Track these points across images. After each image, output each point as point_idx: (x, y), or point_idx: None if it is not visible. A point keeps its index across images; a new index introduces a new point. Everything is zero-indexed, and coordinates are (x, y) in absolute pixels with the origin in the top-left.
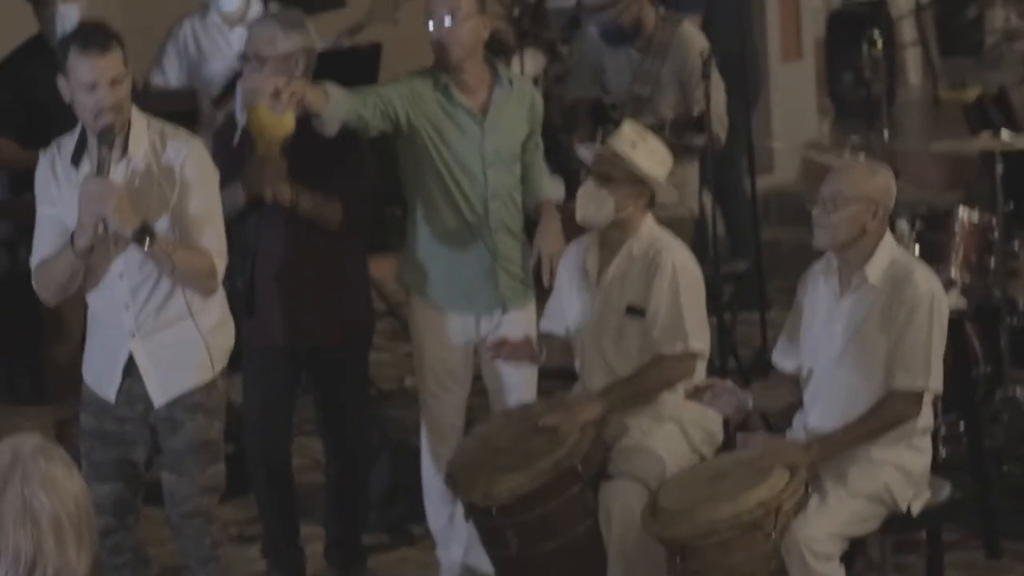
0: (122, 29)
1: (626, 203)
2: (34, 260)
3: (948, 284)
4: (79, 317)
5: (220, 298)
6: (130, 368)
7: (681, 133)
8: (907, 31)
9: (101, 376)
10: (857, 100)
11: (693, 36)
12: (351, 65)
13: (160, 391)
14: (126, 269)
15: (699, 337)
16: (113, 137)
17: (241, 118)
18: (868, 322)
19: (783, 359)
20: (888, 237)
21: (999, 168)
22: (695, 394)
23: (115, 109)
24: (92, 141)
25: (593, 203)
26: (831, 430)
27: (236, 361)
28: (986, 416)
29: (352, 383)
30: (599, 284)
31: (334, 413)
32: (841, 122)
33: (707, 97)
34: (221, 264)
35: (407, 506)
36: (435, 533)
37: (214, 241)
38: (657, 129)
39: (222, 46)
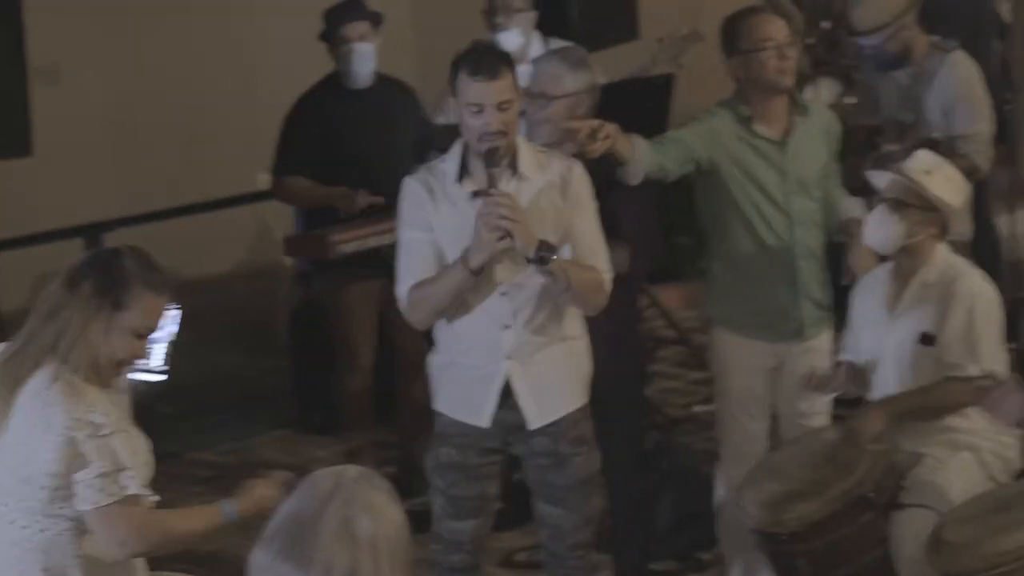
0: (415, 61)
1: (917, 230)
2: (404, 286)
3: None
4: (370, 348)
5: (581, 323)
6: (505, 393)
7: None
8: None
9: (470, 403)
10: None
11: (962, 64)
12: (644, 96)
13: (538, 415)
14: (510, 288)
15: (995, 360)
16: (499, 159)
17: None
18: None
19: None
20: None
21: None
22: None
23: (501, 132)
24: (476, 162)
25: (882, 228)
26: None
27: None
28: None
29: (620, 434)
30: (893, 313)
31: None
32: None
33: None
34: (608, 279)
35: (695, 533)
36: (728, 559)
37: (601, 255)
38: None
39: None
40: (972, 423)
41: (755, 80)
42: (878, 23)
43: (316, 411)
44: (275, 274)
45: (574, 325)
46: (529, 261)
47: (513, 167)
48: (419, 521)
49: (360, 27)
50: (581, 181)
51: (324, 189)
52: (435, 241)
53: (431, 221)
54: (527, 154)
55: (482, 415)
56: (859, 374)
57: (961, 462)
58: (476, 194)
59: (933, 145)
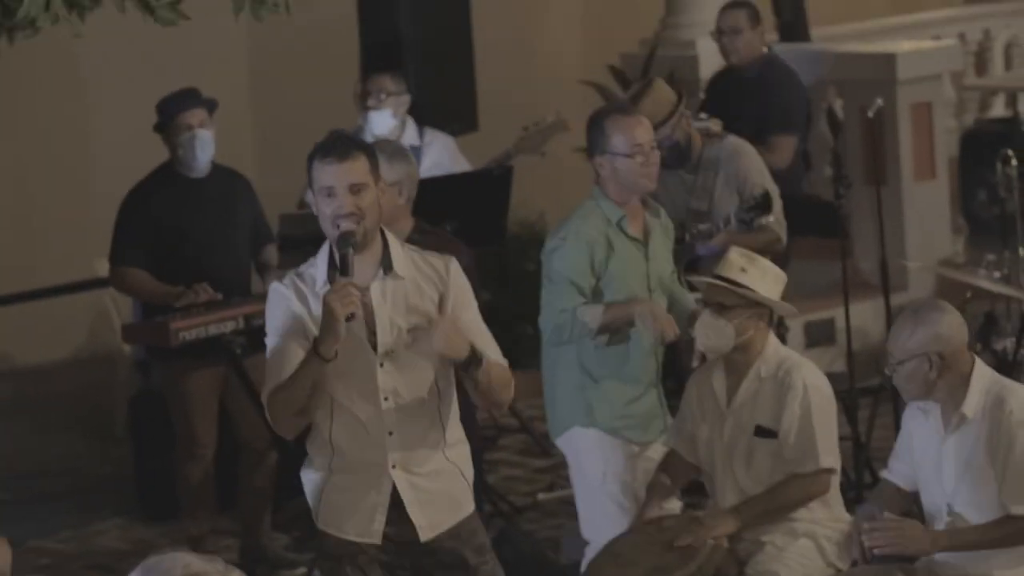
0: (254, 147)
1: (746, 327)
2: (266, 392)
3: None
4: (211, 435)
5: (461, 427)
6: (394, 503)
7: (748, 216)
8: None
9: (358, 517)
10: (991, 218)
11: (741, 146)
12: (484, 187)
13: (429, 526)
14: (393, 390)
15: (830, 453)
16: (354, 242)
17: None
18: (975, 456)
19: (895, 478)
20: (979, 368)
21: None
22: None
23: (353, 214)
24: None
25: (713, 333)
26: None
27: None
28: None
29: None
30: (729, 407)
31: None
32: (976, 240)
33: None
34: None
35: None
36: None
37: (496, 347)
38: (724, 224)
39: None
40: (811, 512)
41: (620, 181)
42: (661, 115)
43: (157, 499)
44: (114, 361)
45: (455, 431)
46: (461, 367)
47: (386, 265)
48: None
49: (199, 114)
50: (459, 276)
51: (163, 288)
52: (307, 345)
53: (306, 326)
54: (398, 250)
55: (372, 531)
56: (689, 466)
57: (800, 549)
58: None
59: (762, 202)
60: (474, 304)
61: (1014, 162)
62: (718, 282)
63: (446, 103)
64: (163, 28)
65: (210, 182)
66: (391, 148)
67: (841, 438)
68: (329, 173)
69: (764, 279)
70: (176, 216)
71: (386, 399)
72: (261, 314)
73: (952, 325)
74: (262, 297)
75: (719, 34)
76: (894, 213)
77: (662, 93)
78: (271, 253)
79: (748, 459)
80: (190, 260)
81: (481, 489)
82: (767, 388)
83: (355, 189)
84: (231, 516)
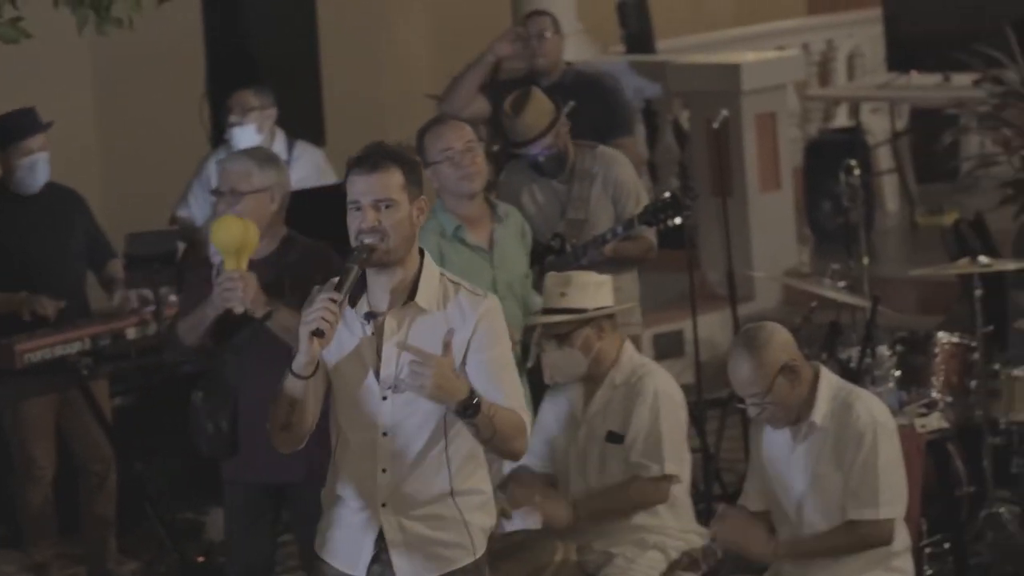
0: (100, 165)
1: (591, 343)
2: None
3: (930, 405)
4: (49, 459)
5: (485, 474)
6: (380, 545)
7: (655, 219)
8: (883, 159)
9: (347, 548)
10: (836, 228)
11: (614, 155)
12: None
13: (412, 573)
14: (393, 426)
15: (675, 461)
16: (364, 257)
17: (215, 257)
18: (822, 463)
19: (753, 505)
20: (824, 376)
21: (978, 291)
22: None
23: (374, 230)
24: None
25: (562, 364)
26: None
27: (219, 496)
28: (971, 535)
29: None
30: (584, 415)
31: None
32: (821, 250)
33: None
34: (529, 419)
35: None
36: None
37: (518, 395)
38: (611, 236)
39: None
40: (661, 521)
41: (446, 189)
42: (541, 127)
43: None
44: None
45: (470, 478)
46: (455, 413)
47: (411, 293)
48: None
49: (40, 139)
50: (491, 316)
51: (3, 296)
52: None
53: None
54: (431, 281)
55: (358, 569)
56: (536, 479)
57: (650, 560)
58: (369, 316)
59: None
60: (500, 345)
61: (857, 172)
62: (546, 318)
63: (292, 117)
64: (5, 45)
65: (42, 199)
66: (262, 154)
67: (691, 450)
68: (356, 185)
69: (586, 292)
70: (7, 234)
71: (385, 434)
72: (107, 335)
73: (781, 335)
74: (109, 317)
75: (526, 40)
76: (740, 224)
77: (542, 102)
78: (115, 267)
79: (601, 466)
80: (24, 277)
81: None
82: (619, 395)
83: (380, 205)
84: (77, 541)
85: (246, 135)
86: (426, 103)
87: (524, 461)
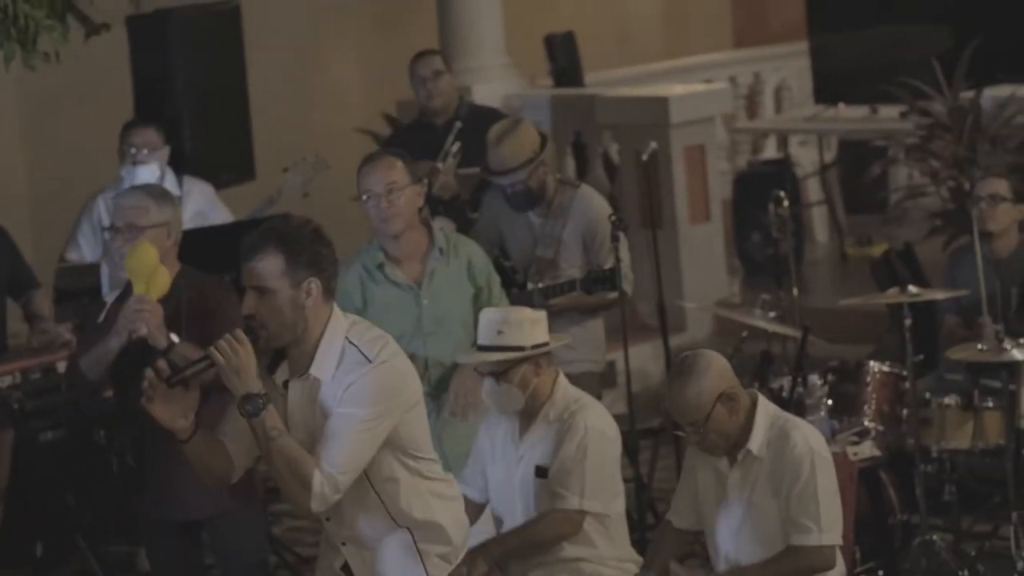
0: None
1: (528, 380)
2: None
3: (862, 434)
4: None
5: (433, 505)
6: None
7: (592, 288)
8: (812, 190)
9: (324, 572)
10: (766, 259)
11: (592, 197)
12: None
13: None
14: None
15: (595, 497)
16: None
17: (110, 297)
18: (757, 491)
19: (681, 521)
20: (762, 403)
21: (907, 321)
22: None
23: (251, 316)
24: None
25: (500, 399)
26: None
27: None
28: (905, 563)
29: (250, 548)
30: (519, 448)
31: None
32: (751, 281)
33: (617, 257)
34: (327, 487)
35: None
36: None
37: (335, 455)
38: (568, 288)
39: None
40: (598, 552)
41: (372, 226)
42: (519, 160)
43: None
44: None
45: (415, 511)
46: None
47: (309, 364)
48: None
49: None
50: (367, 379)
51: None
52: None
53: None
54: (329, 351)
55: None
56: (476, 509)
57: None
58: (285, 384)
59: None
60: (359, 408)
61: (786, 203)
62: (483, 356)
63: (221, 151)
64: None
65: None
66: (156, 190)
67: (624, 480)
68: (242, 269)
69: (522, 329)
70: None
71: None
72: (38, 368)
73: (719, 362)
74: (38, 350)
75: (421, 82)
76: (670, 255)
77: (526, 137)
78: (39, 301)
79: (530, 500)
80: None
81: (265, 541)
82: (552, 430)
83: (256, 292)
84: None
85: (148, 173)
86: (357, 137)
87: (464, 491)
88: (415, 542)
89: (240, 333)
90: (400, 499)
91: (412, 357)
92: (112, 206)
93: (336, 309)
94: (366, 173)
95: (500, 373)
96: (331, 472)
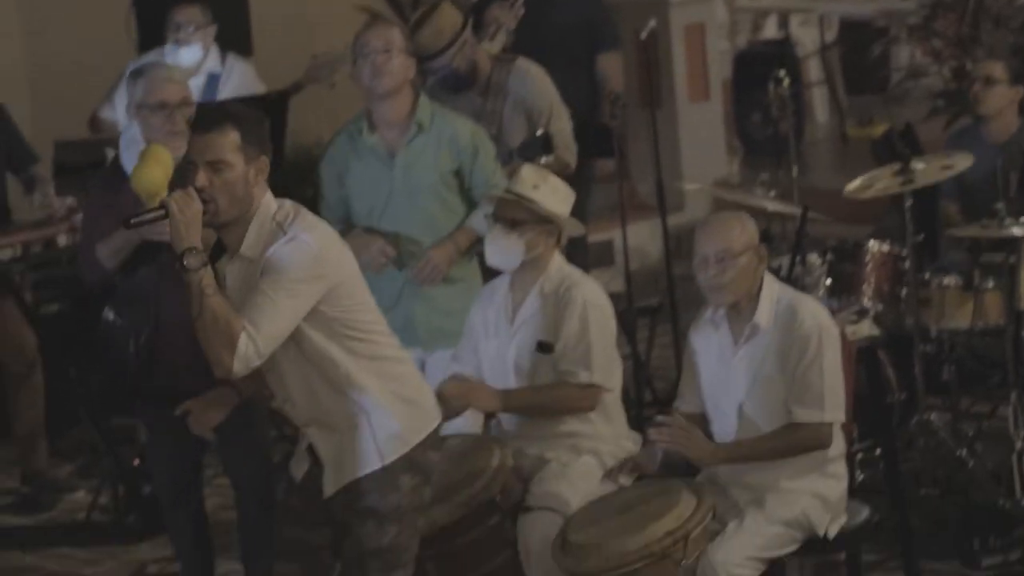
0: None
1: (536, 243)
2: None
3: (861, 313)
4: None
5: (375, 383)
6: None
7: (526, 154)
8: (813, 70)
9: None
10: (765, 139)
11: (529, 70)
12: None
13: (331, 482)
14: (268, 366)
15: (602, 371)
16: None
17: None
18: (765, 366)
19: (687, 405)
20: (768, 278)
21: (908, 201)
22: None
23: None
24: None
25: (503, 248)
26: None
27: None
28: (902, 441)
29: (248, 422)
30: (512, 323)
31: (233, 452)
32: (750, 161)
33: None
34: (250, 348)
35: None
36: None
37: (257, 318)
38: (505, 160)
39: None
40: (594, 428)
41: (363, 87)
42: (440, 44)
43: None
44: None
45: (360, 393)
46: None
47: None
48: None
49: None
50: (284, 248)
51: None
52: None
53: None
54: (257, 230)
55: (299, 470)
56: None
57: (583, 466)
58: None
59: (544, 141)
60: (276, 274)
61: (786, 83)
62: (510, 196)
63: (218, 28)
64: None
65: None
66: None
67: (621, 357)
68: (192, 144)
69: (555, 196)
70: None
71: (268, 371)
72: (38, 241)
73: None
74: (39, 224)
75: None
76: (669, 135)
77: (445, 20)
78: (36, 171)
79: (532, 375)
80: None
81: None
82: (549, 304)
83: (212, 166)
84: (7, 446)
85: (191, 54)
86: (354, 15)
87: (455, 367)
88: (369, 423)
89: (193, 191)
90: (342, 380)
91: (383, 231)
92: (149, 84)
93: (268, 192)
94: (363, 33)
95: (516, 222)
96: (254, 334)
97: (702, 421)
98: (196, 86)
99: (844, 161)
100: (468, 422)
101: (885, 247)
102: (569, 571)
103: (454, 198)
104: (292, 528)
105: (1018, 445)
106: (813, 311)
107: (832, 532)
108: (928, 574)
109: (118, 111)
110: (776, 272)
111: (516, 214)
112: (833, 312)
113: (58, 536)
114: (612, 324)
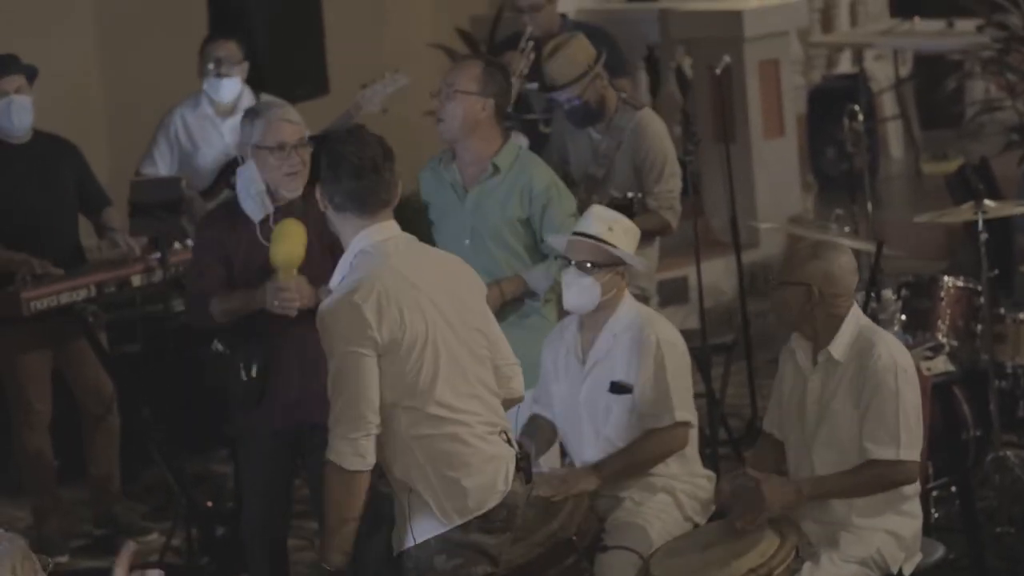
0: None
1: (612, 285)
2: None
3: (936, 349)
4: (46, 403)
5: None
6: None
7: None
8: (888, 105)
9: None
10: (840, 174)
11: (651, 123)
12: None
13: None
14: None
15: (685, 408)
16: None
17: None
18: (837, 398)
19: (770, 426)
20: (854, 312)
21: (983, 236)
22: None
23: None
24: None
25: (580, 291)
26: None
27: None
28: (977, 478)
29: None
30: (584, 364)
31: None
32: (825, 196)
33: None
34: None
35: None
36: None
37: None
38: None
39: (213, 137)
40: (667, 467)
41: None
42: (574, 74)
43: None
44: None
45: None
46: None
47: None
48: None
49: (16, 80)
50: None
51: (5, 253)
52: None
53: None
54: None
55: None
56: (551, 427)
57: (658, 504)
58: None
59: (626, 204)
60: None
61: (861, 118)
62: (588, 240)
63: (295, 66)
64: None
65: (31, 148)
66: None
67: (696, 395)
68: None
69: (627, 237)
70: None
71: None
72: (112, 282)
73: (844, 267)
74: (112, 264)
75: (518, 12)
76: (744, 170)
77: (580, 51)
78: (109, 215)
79: (606, 416)
80: (15, 227)
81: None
82: (621, 344)
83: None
84: (82, 488)
85: (232, 86)
86: (428, 52)
87: (535, 409)
88: (408, 499)
89: None
90: (386, 449)
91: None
92: (267, 124)
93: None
94: (448, 71)
95: (594, 265)
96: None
97: (781, 449)
98: (233, 127)
99: (918, 197)
100: (546, 459)
101: (960, 282)
102: None
103: (519, 246)
104: None
105: None
106: (891, 348)
107: (907, 571)
108: None
109: (159, 166)
110: None
111: (593, 257)
112: (908, 348)
113: None
114: (687, 360)
